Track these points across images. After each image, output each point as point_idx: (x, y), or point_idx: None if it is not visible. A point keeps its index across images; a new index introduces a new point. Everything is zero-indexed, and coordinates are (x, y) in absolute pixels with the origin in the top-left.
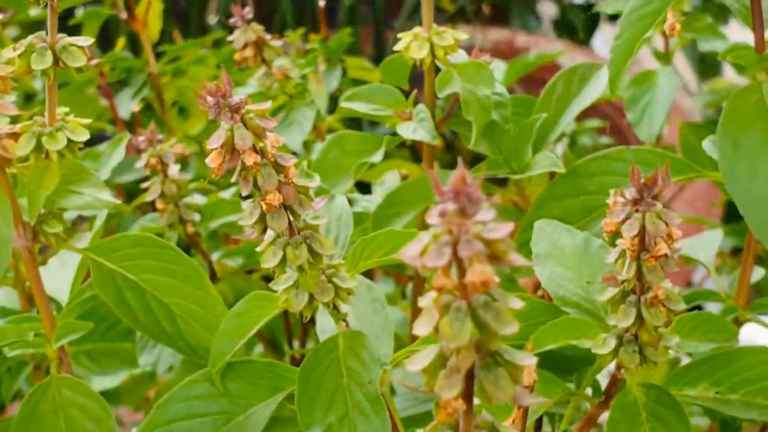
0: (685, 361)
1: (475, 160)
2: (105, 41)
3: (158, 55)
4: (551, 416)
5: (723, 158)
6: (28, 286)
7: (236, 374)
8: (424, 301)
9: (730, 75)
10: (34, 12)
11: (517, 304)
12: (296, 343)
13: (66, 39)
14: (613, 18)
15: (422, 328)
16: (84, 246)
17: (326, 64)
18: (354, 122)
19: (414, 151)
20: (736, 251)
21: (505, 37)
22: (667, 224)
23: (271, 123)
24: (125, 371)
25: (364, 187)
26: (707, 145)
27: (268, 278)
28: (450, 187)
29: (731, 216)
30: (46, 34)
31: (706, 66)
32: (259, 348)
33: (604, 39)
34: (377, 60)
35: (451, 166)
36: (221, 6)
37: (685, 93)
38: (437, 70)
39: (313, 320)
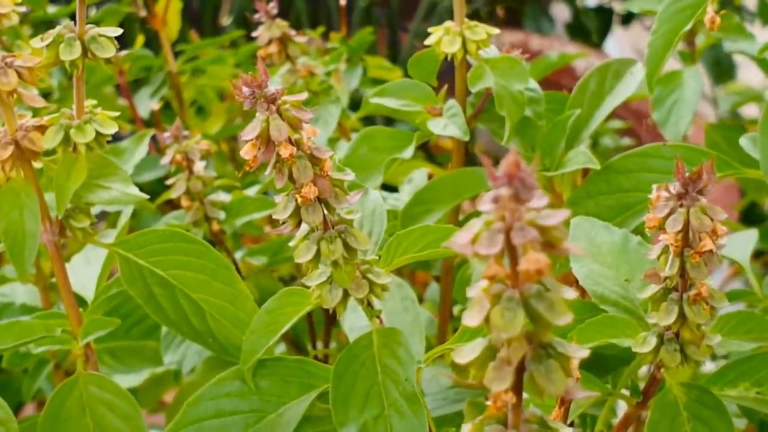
0: (709, 366)
1: (496, 161)
2: (122, 40)
3: (175, 54)
4: (583, 418)
5: (764, 153)
6: (50, 282)
7: (267, 372)
8: (473, 291)
9: (743, 78)
10: (51, 9)
11: (570, 294)
12: (319, 344)
13: (95, 29)
14: (626, 21)
15: (473, 318)
16: (111, 241)
17: (347, 62)
18: (369, 122)
19: (428, 152)
20: (758, 255)
21: (518, 40)
22: (712, 219)
23: (308, 114)
24: (148, 369)
25: (385, 189)
26: (745, 142)
27: (284, 279)
28: (503, 172)
29: (748, 220)
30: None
31: (722, 70)
32: (281, 348)
33: (617, 42)
34: (392, 61)
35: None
36: (235, 7)
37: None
38: (468, 66)
39: (336, 320)
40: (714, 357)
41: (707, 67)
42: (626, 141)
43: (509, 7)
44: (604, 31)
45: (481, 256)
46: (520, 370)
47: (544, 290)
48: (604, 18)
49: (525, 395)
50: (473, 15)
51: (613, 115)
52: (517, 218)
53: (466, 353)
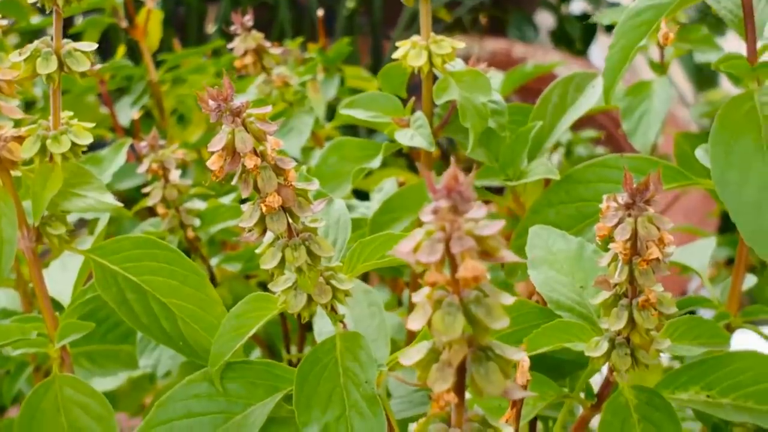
0: None
1: (469, 169)
2: (105, 50)
3: (158, 64)
4: (545, 420)
5: (715, 165)
6: (30, 287)
7: (235, 374)
8: (417, 297)
9: (727, 86)
10: (35, 20)
11: (508, 300)
12: (293, 349)
13: (71, 44)
14: (610, 29)
15: (416, 322)
16: (86, 248)
17: (324, 72)
18: (350, 130)
19: (410, 160)
20: (731, 261)
21: (502, 48)
22: (659, 229)
23: (272, 127)
24: (125, 373)
25: (361, 196)
26: (700, 153)
27: (264, 284)
28: (442, 185)
29: (727, 227)
30: (51, 39)
31: (703, 77)
32: (257, 353)
33: (601, 50)
34: (374, 70)
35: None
36: (220, 15)
37: (681, 104)
38: (435, 78)
39: (309, 326)
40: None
41: (689, 75)
42: (600, 150)
43: (493, 15)
44: (588, 38)
45: (422, 264)
46: (462, 371)
47: (482, 296)
48: (587, 26)
49: (468, 396)
50: (456, 23)
51: (592, 122)
52: (455, 228)
53: (412, 355)
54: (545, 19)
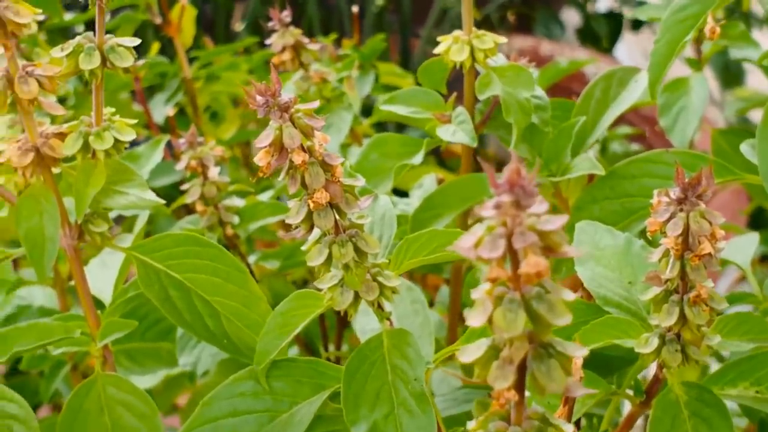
0: (715, 367)
1: (499, 167)
2: (137, 47)
3: (190, 61)
4: (589, 418)
5: (763, 160)
6: (68, 285)
7: (281, 372)
8: (476, 293)
9: (753, 84)
10: (68, 16)
11: (570, 296)
12: (331, 347)
13: (113, 39)
14: (636, 26)
15: (476, 319)
16: (128, 245)
17: (359, 69)
18: (381, 127)
19: (440, 158)
20: (764, 258)
21: (529, 45)
22: (710, 223)
23: (319, 122)
24: (164, 371)
25: (397, 194)
26: (746, 148)
27: (298, 282)
28: (505, 179)
29: (756, 225)
30: (94, 34)
31: (730, 75)
32: (294, 350)
33: (627, 48)
34: (403, 67)
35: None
36: (249, 13)
37: (709, 102)
38: (476, 73)
39: (347, 324)
40: (722, 359)
41: (716, 73)
42: (635, 147)
43: (520, 12)
44: (614, 36)
45: (483, 260)
46: (522, 368)
47: (544, 292)
48: (614, 24)
49: (528, 393)
50: (484, 21)
51: (623, 120)
52: (517, 223)
53: (471, 352)
54: (572, 17)
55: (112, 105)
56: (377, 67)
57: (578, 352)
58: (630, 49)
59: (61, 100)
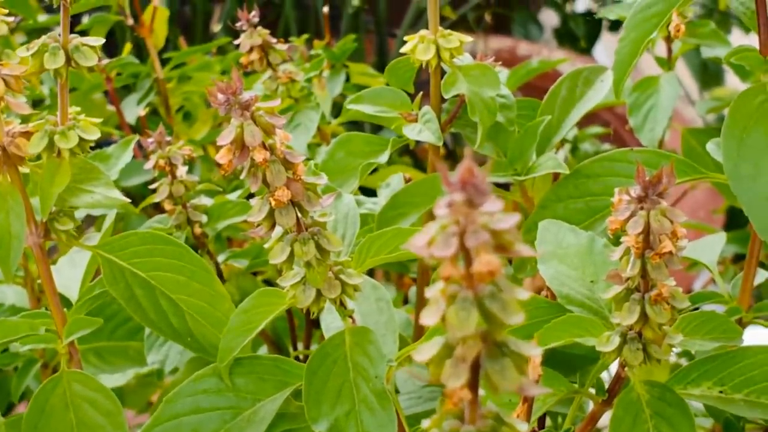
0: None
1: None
2: (111, 47)
3: (163, 62)
4: (554, 416)
5: (727, 159)
6: (38, 284)
7: (244, 370)
8: (431, 292)
9: (732, 83)
10: (42, 18)
11: (523, 295)
12: (300, 345)
13: (78, 39)
14: (615, 27)
15: (429, 317)
16: (94, 244)
17: (330, 69)
18: (355, 126)
19: (415, 158)
20: (738, 258)
21: (507, 46)
22: (672, 222)
23: (281, 120)
24: (133, 369)
25: (366, 193)
26: (711, 147)
27: (270, 281)
28: (457, 178)
29: (732, 224)
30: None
31: (708, 74)
32: (263, 349)
33: (605, 48)
34: (379, 68)
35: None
36: (225, 14)
37: (687, 101)
38: (443, 72)
39: (316, 323)
40: (692, 359)
41: (694, 73)
42: (606, 146)
43: (498, 13)
44: (592, 36)
45: (436, 258)
46: (476, 367)
47: (497, 291)
48: (592, 24)
49: (482, 392)
50: (461, 21)
51: (598, 119)
52: (470, 222)
53: (426, 351)
54: (550, 18)
55: (85, 105)
56: (349, 67)
57: (533, 351)
58: (608, 49)
59: (37, 102)
